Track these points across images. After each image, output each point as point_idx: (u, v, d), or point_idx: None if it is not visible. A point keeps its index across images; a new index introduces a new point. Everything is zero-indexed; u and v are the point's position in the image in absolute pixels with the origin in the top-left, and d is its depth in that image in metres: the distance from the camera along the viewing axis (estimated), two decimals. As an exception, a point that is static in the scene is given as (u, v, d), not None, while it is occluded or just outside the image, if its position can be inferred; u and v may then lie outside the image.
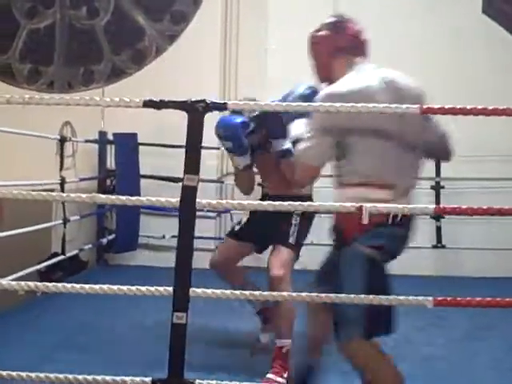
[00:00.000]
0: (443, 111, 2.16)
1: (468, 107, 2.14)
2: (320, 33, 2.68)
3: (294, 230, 3.50)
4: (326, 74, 2.65)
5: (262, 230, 3.57)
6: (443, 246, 6.00)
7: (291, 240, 3.47)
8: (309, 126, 2.47)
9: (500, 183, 5.90)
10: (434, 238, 5.99)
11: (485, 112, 2.13)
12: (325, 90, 2.51)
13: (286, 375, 3.22)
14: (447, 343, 3.94)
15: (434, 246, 5.83)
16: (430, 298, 2.11)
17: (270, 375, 3.22)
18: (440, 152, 2.63)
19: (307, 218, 3.53)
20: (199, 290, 2.04)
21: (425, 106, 2.20)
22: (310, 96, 2.99)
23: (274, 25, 6.39)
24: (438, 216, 5.64)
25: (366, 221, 2.08)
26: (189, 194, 1.94)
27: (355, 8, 5.93)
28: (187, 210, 1.95)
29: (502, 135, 5.74)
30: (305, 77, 6.16)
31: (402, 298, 2.14)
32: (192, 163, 1.97)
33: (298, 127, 2.90)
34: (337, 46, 2.62)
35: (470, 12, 6.31)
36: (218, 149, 6.16)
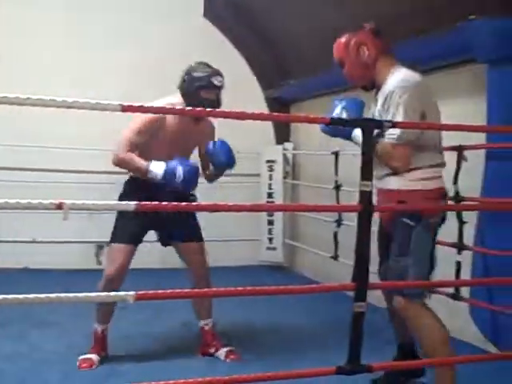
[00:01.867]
0: (143, 110, 2.23)
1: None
2: (361, 35, 2.87)
3: (198, 223, 3.69)
4: (370, 75, 2.86)
5: (157, 226, 3.66)
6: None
7: (201, 234, 3.70)
8: (402, 112, 2.64)
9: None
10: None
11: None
12: (396, 77, 2.75)
13: None
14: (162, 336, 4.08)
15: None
16: (132, 293, 2.13)
17: (224, 349, 3.59)
18: None
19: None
20: None
21: (127, 104, 2.18)
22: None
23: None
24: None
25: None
26: None
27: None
28: None
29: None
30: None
31: (104, 294, 2.15)
32: None
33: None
34: (380, 47, 2.85)
35: (191, 15, 6.56)
36: None
